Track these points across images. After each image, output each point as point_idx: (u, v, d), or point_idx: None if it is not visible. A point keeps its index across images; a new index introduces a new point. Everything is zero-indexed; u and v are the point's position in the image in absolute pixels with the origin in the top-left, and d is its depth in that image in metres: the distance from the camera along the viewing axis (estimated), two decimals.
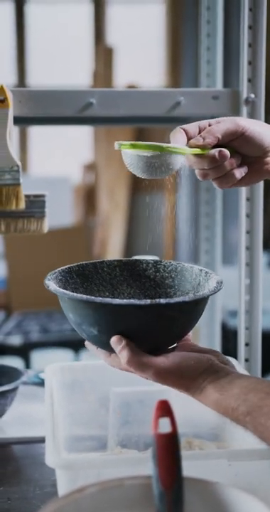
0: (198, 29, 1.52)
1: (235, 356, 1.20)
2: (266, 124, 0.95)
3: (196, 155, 0.88)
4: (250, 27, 1.13)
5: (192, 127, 0.90)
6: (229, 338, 2.09)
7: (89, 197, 4.54)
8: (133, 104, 1.14)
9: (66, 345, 2.98)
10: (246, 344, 1.20)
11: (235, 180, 0.92)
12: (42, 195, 1.14)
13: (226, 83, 1.57)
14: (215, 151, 0.88)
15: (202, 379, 0.81)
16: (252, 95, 1.15)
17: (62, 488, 0.82)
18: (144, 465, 0.77)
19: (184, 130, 0.89)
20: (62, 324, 3.19)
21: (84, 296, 0.82)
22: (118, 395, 1.13)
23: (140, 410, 1.12)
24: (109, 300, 0.81)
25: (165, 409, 0.70)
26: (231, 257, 3.56)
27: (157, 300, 0.80)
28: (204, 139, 0.89)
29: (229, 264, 3.52)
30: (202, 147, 0.88)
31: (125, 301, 0.81)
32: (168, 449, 0.69)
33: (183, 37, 4.36)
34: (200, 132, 0.90)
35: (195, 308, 0.85)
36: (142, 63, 4.64)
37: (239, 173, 0.92)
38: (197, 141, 0.89)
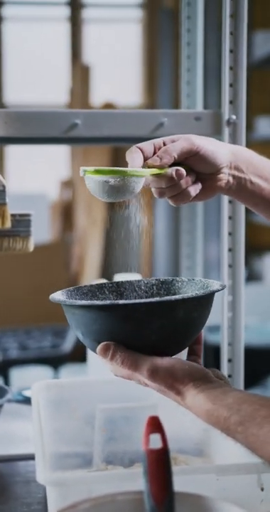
0: (178, 51, 1.55)
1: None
2: (219, 142, 0.99)
3: (153, 174, 0.91)
4: (231, 50, 1.16)
5: (148, 146, 0.93)
6: (208, 353, 2.11)
7: (66, 213, 4.55)
8: (117, 125, 1.16)
9: (45, 362, 2.97)
10: (229, 360, 1.22)
11: (190, 197, 0.96)
12: (28, 215, 1.15)
13: (205, 103, 1.59)
14: (172, 171, 0.92)
15: (195, 386, 0.82)
16: (233, 117, 1.18)
17: (53, 506, 0.83)
18: (135, 480, 0.78)
19: (140, 149, 0.92)
20: (41, 341, 3.18)
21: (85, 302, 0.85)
22: (103, 411, 1.14)
23: (125, 426, 1.13)
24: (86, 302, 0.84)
25: (155, 425, 0.72)
26: (211, 273, 3.59)
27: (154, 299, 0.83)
28: (161, 159, 0.92)
29: None
30: (160, 167, 0.91)
31: (88, 302, 0.85)
32: (159, 465, 0.70)
33: (160, 56, 4.41)
34: (154, 150, 0.93)
35: (179, 311, 0.84)
36: (119, 82, 4.68)
37: (194, 190, 0.96)
38: (155, 162, 0.92)
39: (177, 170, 0.91)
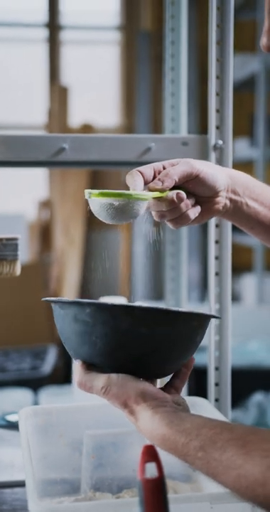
0: (157, 73, 1.57)
1: (205, 396, 1.21)
2: (217, 166, 1.01)
3: (155, 197, 0.92)
4: (217, 77, 1.17)
5: (148, 170, 0.94)
6: (190, 375, 2.10)
7: (44, 234, 4.53)
8: (105, 150, 1.17)
9: (24, 385, 2.94)
10: (216, 384, 1.22)
11: (189, 220, 0.97)
12: (15, 239, 1.14)
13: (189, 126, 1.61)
14: (173, 194, 0.93)
15: (148, 407, 0.81)
16: (220, 142, 1.19)
17: None
18: (128, 510, 0.77)
19: (140, 172, 0.93)
20: (20, 363, 3.15)
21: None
22: (91, 437, 1.13)
23: (113, 453, 1.12)
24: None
25: (151, 453, 0.71)
26: (191, 294, 3.60)
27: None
28: (162, 182, 0.92)
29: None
30: (161, 190, 0.92)
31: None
32: (156, 494, 0.69)
33: (137, 78, 4.44)
34: (154, 174, 0.94)
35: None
36: (97, 103, 4.70)
37: (193, 213, 0.97)
38: (156, 185, 0.93)
39: (178, 193, 0.92)
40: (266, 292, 3.88)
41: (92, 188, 4.15)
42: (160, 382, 0.90)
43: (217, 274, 1.21)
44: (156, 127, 4.42)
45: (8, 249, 1.14)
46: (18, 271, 1.16)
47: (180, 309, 0.85)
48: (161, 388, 0.89)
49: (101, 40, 4.81)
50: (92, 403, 1.15)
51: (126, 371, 0.85)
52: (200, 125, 3.90)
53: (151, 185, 0.93)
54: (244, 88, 3.98)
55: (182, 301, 1.55)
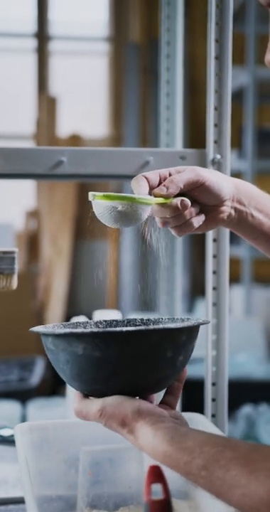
0: (145, 88, 1.57)
1: (197, 409, 1.20)
2: (222, 174, 1.00)
3: (159, 204, 0.92)
4: (216, 91, 1.17)
5: (153, 175, 0.93)
6: (185, 387, 2.09)
7: (32, 244, 4.51)
8: (103, 163, 1.16)
9: (12, 396, 2.91)
10: (213, 400, 1.21)
11: (193, 228, 0.96)
12: (12, 252, 1.13)
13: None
14: (178, 201, 0.92)
15: (148, 423, 0.79)
16: (218, 156, 1.19)
17: None
18: None
19: (146, 178, 0.92)
20: (8, 374, 3.13)
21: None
22: (87, 453, 1.11)
23: (110, 469, 1.11)
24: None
25: (157, 474, 0.70)
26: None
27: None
28: (167, 188, 0.92)
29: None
30: (166, 196, 0.92)
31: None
32: None
33: (126, 89, 4.45)
34: (160, 180, 0.94)
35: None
36: (85, 114, 4.70)
37: (197, 221, 0.96)
38: (161, 191, 0.92)
39: (182, 200, 0.91)
40: (254, 304, 3.89)
41: (82, 199, 4.14)
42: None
43: (214, 288, 1.20)
44: (144, 138, 4.43)
45: (4, 263, 1.13)
46: (14, 285, 1.15)
47: (137, 328, 0.82)
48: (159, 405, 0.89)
49: (89, 51, 4.81)
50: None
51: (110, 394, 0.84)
52: (190, 137, 3.91)
53: (156, 190, 0.92)
54: (233, 100, 3.97)
55: (177, 314, 1.54)
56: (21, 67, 4.64)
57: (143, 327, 0.85)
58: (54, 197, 4.38)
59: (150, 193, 0.91)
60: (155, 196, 0.91)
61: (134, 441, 0.82)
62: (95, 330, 0.85)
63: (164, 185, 0.91)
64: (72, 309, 4.25)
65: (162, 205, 0.91)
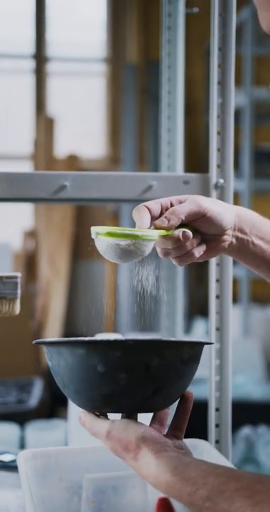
0: (142, 109, 1.58)
1: (205, 437, 1.19)
2: (224, 203, 1.00)
3: (160, 235, 0.91)
4: (218, 116, 1.18)
5: (155, 206, 0.92)
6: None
7: (29, 264, 4.50)
8: (106, 187, 1.16)
9: (10, 418, 2.89)
10: (217, 425, 1.20)
11: (194, 258, 0.96)
12: (15, 277, 1.13)
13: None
14: (179, 232, 0.91)
15: (151, 452, 0.79)
16: (221, 180, 1.19)
17: None
18: None
19: (147, 208, 0.91)
20: (5, 396, 3.10)
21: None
22: (91, 481, 1.10)
23: (114, 497, 1.10)
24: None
25: (166, 507, 0.69)
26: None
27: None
28: (169, 220, 0.91)
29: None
30: (167, 228, 0.91)
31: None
32: None
33: (123, 110, 4.47)
34: (161, 210, 0.93)
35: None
36: (83, 134, 4.72)
37: (198, 252, 0.96)
38: (163, 223, 0.91)
39: (184, 232, 0.91)
40: (251, 324, 3.88)
41: (79, 219, 4.12)
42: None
43: (217, 313, 1.20)
44: (142, 158, 4.44)
45: (7, 288, 1.12)
46: (17, 310, 1.14)
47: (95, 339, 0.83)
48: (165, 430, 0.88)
49: (87, 72, 4.84)
50: (92, 446, 1.12)
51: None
52: (187, 160, 3.92)
53: (157, 222, 0.92)
54: None
55: (178, 337, 1.54)
56: (19, 88, 4.66)
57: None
58: (52, 217, 4.38)
59: (151, 224, 0.91)
60: (156, 228, 0.91)
61: (137, 469, 0.81)
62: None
63: (165, 217, 0.91)
64: (70, 330, 4.23)
65: (163, 236, 0.91)
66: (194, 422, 1.51)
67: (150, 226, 0.92)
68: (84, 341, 0.83)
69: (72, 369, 0.83)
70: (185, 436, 0.90)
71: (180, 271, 1.54)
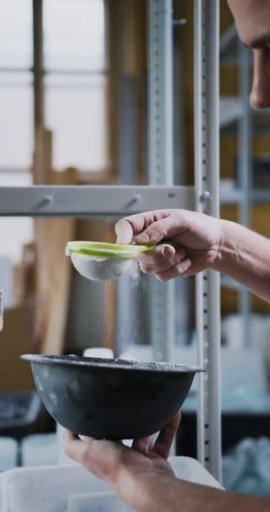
0: (141, 117, 1.56)
1: (194, 455, 1.17)
2: (209, 217, 0.97)
3: (141, 251, 0.89)
4: (203, 128, 1.16)
5: (138, 219, 0.90)
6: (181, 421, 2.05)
7: (29, 277, 4.49)
8: (90, 201, 1.14)
9: (7, 434, 2.86)
10: (206, 442, 1.18)
11: (178, 274, 0.94)
12: None
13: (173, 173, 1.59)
14: (161, 248, 0.89)
15: (129, 473, 0.77)
16: (207, 193, 1.17)
17: None
18: None
19: (130, 222, 0.90)
20: (3, 411, 3.08)
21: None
22: (76, 501, 1.08)
23: None
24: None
25: None
26: (178, 335, 3.56)
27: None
28: (150, 236, 0.89)
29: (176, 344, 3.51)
30: (149, 244, 0.89)
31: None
32: None
33: (122, 121, 4.47)
34: (145, 224, 0.91)
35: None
36: (81, 146, 4.72)
37: (182, 267, 0.94)
38: (144, 239, 0.89)
39: (166, 248, 0.89)
40: (252, 335, 3.85)
41: (78, 231, 4.09)
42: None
43: (205, 327, 1.17)
44: (141, 170, 4.43)
45: None
46: (0, 326, 1.12)
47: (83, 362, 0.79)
48: (148, 452, 0.86)
49: (85, 84, 4.84)
50: (77, 465, 1.10)
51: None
52: (185, 171, 3.91)
53: (138, 238, 0.90)
54: (228, 132, 4.01)
55: (170, 351, 1.52)
56: (17, 101, 4.67)
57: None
58: (51, 229, 4.37)
59: (133, 238, 0.89)
60: (137, 243, 0.89)
61: (117, 490, 0.80)
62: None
63: (147, 233, 0.89)
64: (69, 343, 4.21)
65: (145, 252, 0.89)
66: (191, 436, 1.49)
67: (133, 241, 0.90)
68: (31, 358, 0.84)
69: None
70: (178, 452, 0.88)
71: (171, 284, 1.52)
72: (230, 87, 4.11)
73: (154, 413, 0.80)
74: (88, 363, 0.78)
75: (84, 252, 0.84)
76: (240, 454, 2.89)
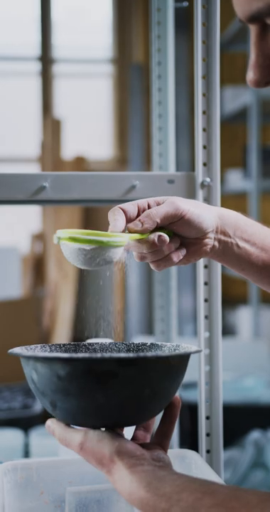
0: (149, 106, 1.53)
1: (196, 448, 1.15)
2: (204, 205, 0.94)
3: (134, 239, 0.87)
4: (204, 112, 1.13)
5: (131, 207, 0.88)
6: (183, 412, 2.03)
7: (37, 267, 4.48)
8: (88, 188, 1.12)
9: (14, 424, 2.86)
10: (207, 434, 1.15)
11: (173, 263, 0.91)
12: None
13: (176, 161, 1.56)
14: (155, 236, 0.87)
15: (125, 466, 0.75)
16: (208, 179, 1.14)
17: None
18: None
19: (123, 210, 0.87)
20: (11, 401, 3.07)
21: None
22: (74, 494, 1.06)
23: (97, 511, 1.05)
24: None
25: None
26: (186, 326, 3.53)
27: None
28: (143, 223, 0.87)
29: (181, 336, 3.48)
30: (141, 232, 0.87)
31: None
32: None
33: (130, 110, 4.43)
34: (138, 212, 0.89)
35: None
36: (90, 135, 4.68)
37: (177, 256, 0.91)
38: (136, 227, 0.87)
39: (159, 236, 0.86)
40: (262, 325, 3.82)
41: (87, 220, 4.07)
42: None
43: (206, 317, 1.15)
44: (149, 159, 4.39)
45: None
46: None
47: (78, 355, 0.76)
48: (152, 436, 0.84)
49: (93, 73, 4.80)
50: (75, 456, 1.08)
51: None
52: (192, 159, 3.88)
53: (131, 225, 0.87)
54: (237, 120, 3.96)
55: (172, 329, 1.49)
56: (25, 91, 4.64)
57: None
58: (59, 219, 4.35)
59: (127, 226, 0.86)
60: (129, 231, 0.86)
61: (113, 483, 0.78)
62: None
63: (139, 220, 0.87)
64: (78, 333, 4.20)
65: (138, 240, 0.86)
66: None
67: (126, 229, 0.88)
68: (14, 350, 0.85)
69: None
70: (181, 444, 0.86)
71: (174, 273, 1.49)
72: (239, 75, 4.06)
73: (113, 402, 0.77)
74: (40, 354, 0.79)
75: (73, 239, 0.81)
76: (248, 445, 2.86)
